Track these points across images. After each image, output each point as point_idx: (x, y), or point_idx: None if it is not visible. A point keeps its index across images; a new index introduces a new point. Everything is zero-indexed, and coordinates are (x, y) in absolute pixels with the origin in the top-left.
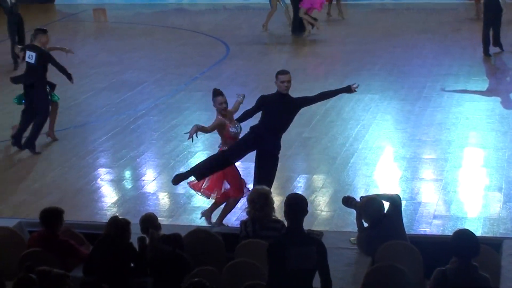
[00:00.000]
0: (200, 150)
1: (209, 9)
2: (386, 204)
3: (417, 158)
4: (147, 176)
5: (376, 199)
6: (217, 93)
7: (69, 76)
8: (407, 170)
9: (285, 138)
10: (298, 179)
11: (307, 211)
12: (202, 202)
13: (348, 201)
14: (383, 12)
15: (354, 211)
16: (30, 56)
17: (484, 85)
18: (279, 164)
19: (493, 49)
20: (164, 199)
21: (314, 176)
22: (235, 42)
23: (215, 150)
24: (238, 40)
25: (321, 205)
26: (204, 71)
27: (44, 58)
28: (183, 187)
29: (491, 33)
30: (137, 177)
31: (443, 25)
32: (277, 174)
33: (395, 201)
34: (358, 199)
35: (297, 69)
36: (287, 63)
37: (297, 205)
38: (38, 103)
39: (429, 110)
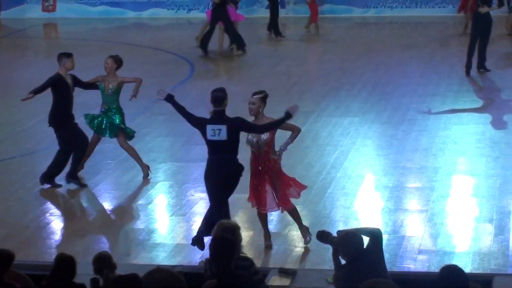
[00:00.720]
0: (161, 181)
1: (171, 24)
2: (366, 239)
3: (400, 187)
4: (102, 209)
5: (355, 234)
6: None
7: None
8: (390, 201)
9: None
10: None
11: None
12: (163, 238)
13: (323, 236)
14: (364, 26)
15: (331, 247)
16: None
17: (473, 107)
18: (248, 195)
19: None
20: (121, 235)
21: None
22: (201, 60)
23: (177, 180)
24: (204, 57)
25: (295, 240)
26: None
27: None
28: (142, 222)
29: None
30: (91, 211)
31: (430, 41)
32: (247, 206)
33: (375, 235)
34: (335, 234)
35: (269, 88)
36: (259, 83)
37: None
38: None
39: (413, 134)
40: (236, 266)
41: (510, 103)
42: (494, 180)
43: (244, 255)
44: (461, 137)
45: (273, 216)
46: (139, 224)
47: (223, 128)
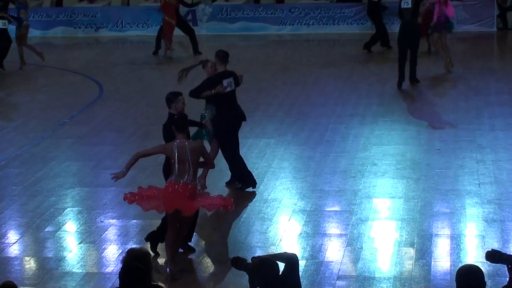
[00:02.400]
0: (69, 207)
1: (78, 43)
2: (281, 265)
3: (318, 211)
4: (7, 237)
5: (270, 260)
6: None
7: None
8: (307, 225)
9: None
10: None
11: None
12: (72, 267)
13: (237, 263)
14: (280, 44)
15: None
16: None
17: (393, 127)
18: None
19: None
20: (28, 264)
21: (201, 233)
22: (110, 81)
23: (85, 206)
24: (113, 78)
25: (209, 267)
26: (74, 115)
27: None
28: (50, 250)
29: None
30: None
31: (348, 58)
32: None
33: (292, 261)
34: (249, 260)
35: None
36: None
37: None
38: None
39: (332, 156)
40: None
41: (431, 123)
42: (415, 203)
43: (156, 283)
44: (381, 159)
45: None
46: (47, 253)
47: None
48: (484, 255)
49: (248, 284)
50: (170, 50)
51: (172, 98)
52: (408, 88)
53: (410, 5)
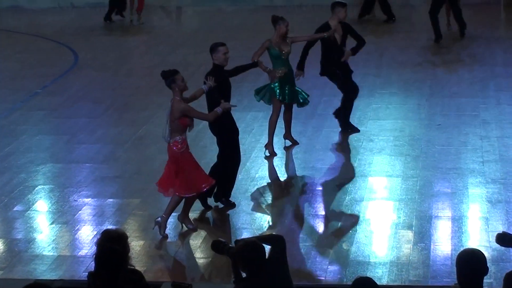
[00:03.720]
0: (40, 184)
1: (52, 8)
2: (267, 248)
3: (309, 190)
4: None
5: (255, 243)
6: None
7: None
8: (298, 205)
9: (147, 168)
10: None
11: None
12: (42, 249)
13: (219, 247)
14: (271, 9)
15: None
16: None
17: (391, 100)
18: (139, 200)
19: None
20: None
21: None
22: (86, 49)
23: (58, 184)
24: (90, 46)
25: (193, 250)
26: (47, 85)
27: None
28: (19, 231)
29: None
30: None
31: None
32: (137, 212)
33: (278, 243)
34: (232, 244)
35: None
36: (150, 74)
37: None
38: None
39: (324, 131)
40: (123, 279)
41: (432, 96)
42: (413, 182)
43: (133, 267)
44: (377, 134)
45: (167, 223)
46: (16, 234)
47: None
48: (490, 238)
49: (232, 269)
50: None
51: (213, 47)
52: (407, 58)
53: None
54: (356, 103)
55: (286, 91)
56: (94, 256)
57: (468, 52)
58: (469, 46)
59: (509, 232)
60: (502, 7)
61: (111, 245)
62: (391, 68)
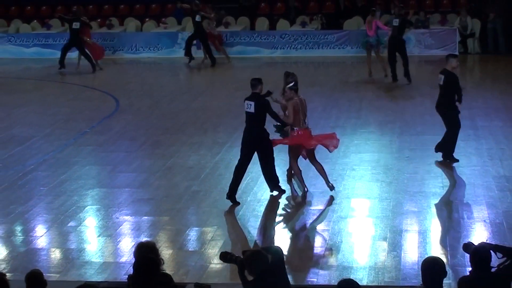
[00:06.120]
0: (89, 205)
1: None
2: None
3: (304, 209)
4: (35, 231)
5: (260, 252)
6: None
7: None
8: (295, 221)
9: (174, 192)
10: (187, 232)
11: None
12: (91, 257)
13: (226, 257)
14: (272, 65)
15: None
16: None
17: (369, 137)
18: (168, 217)
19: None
20: (53, 255)
21: (203, 228)
22: (125, 97)
23: (103, 204)
24: (127, 94)
25: (211, 257)
26: (94, 126)
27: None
28: (72, 242)
29: None
30: (25, 233)
31: (331, 78)
32: (166, 227)
33: (278, 253)
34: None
35: (186, 122)
36: (176, 117)
37: None
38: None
39: None
40: (157, 281)
41: (402, 134)
42: (387, 203)
43: (164, 271)
44: (359, 164)
45: (190, 236)
46: (70, 245)
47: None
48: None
49: (239, 275)
50: None
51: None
52: (382, 104)
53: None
54: (341, 139)
55: None
56: (134, 263)
57: (430, 100)
58: (430, 94)
59: (473, 242)
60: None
61: (147, 254)
62: (369, 112)
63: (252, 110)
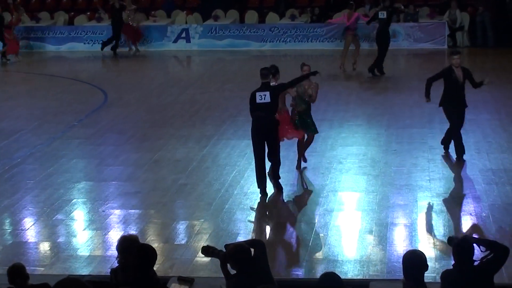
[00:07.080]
0: (76, 198)
1: (87, 57)
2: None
3: (290, 203)
4: (22, 225)
5: (243, 245)
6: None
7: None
8: (281, 215)
9: (161, 185)
10: (174, 225)
11: None
12: (76, 250)
13: (208, 251)
14: (261, 58)
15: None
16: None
17: (357, 130)
18: (154, 211)
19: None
20: (39, 248)
21: (190, 221)
22: (113, 90)
23: (89, 198)
24: (116, 87)
25: (197, 250)
26: (82, 119)
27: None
28: (58, 235)
29: None
30: (11, 226)
31: (320, 71)
32: (153, 220)
33: (259, 245)
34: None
35: (174, 115)
36: (165, 110)
37: None
38: None
39: None
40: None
41: (389, 127)
42: (374, 196)
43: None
44: (346, 158)
45: (177, 229)
46: (55, 238)
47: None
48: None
49: (221, 269)
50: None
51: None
52: (370, 97)
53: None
54: (329, 133)
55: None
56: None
57: (419, 93)
58: (419, 87)
59: (456, 236)
60: (445, 56)
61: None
62: (357, 105)
63: (268, 99)
